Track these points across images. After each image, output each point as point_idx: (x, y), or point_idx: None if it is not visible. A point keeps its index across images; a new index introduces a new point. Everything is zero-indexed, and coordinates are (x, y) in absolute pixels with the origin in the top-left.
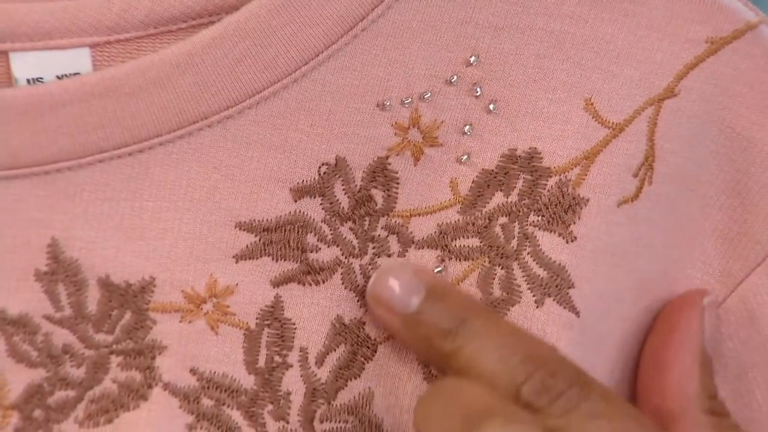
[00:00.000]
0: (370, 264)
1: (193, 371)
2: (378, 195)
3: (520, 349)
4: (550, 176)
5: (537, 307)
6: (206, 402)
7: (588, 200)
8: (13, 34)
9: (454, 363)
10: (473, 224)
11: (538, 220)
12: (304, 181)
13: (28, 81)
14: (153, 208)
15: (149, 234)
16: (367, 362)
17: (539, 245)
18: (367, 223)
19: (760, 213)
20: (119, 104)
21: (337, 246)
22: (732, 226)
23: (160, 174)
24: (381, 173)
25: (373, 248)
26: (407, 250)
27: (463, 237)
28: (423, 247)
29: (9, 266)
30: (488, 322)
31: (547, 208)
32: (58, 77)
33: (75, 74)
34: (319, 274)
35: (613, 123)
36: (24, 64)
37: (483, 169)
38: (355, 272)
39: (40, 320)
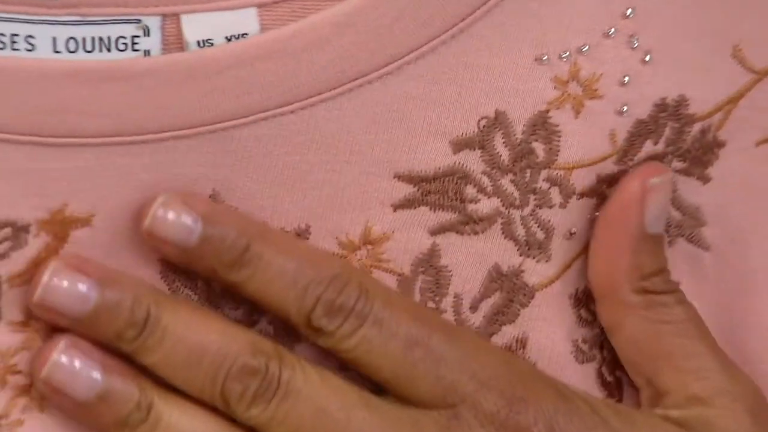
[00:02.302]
0: (531, 215)
1: None
2: (539, 148)
3: (306, 271)
4: (695, 122)
5: (669, 246)
6: None
7: (725, 142)
8: None
9: (243, 291)
10: (625, 172)
11: (679, 166)
12: (464, 134)
13: (199, 43)
14: (312, 161)
15: (307, 185)
16: (523, 308)
17: (677, 189)
18: (528, 175)
19: None
20: (282, 65)
21: (498, 197)
22: None
23: (320, 129)
24: (542, 126)
25: (535, 200)
26: (569, 201)
27: (616, 185)
28: (584, 197)
29: None
30: (272, 246)
31: (689, 152)
32: (227, 38)
33: (243, 35)
34: (477, 224)
35: (759, 69)
36: (194, 26)
37: (637, 119)
38: (515, 222)
39: None
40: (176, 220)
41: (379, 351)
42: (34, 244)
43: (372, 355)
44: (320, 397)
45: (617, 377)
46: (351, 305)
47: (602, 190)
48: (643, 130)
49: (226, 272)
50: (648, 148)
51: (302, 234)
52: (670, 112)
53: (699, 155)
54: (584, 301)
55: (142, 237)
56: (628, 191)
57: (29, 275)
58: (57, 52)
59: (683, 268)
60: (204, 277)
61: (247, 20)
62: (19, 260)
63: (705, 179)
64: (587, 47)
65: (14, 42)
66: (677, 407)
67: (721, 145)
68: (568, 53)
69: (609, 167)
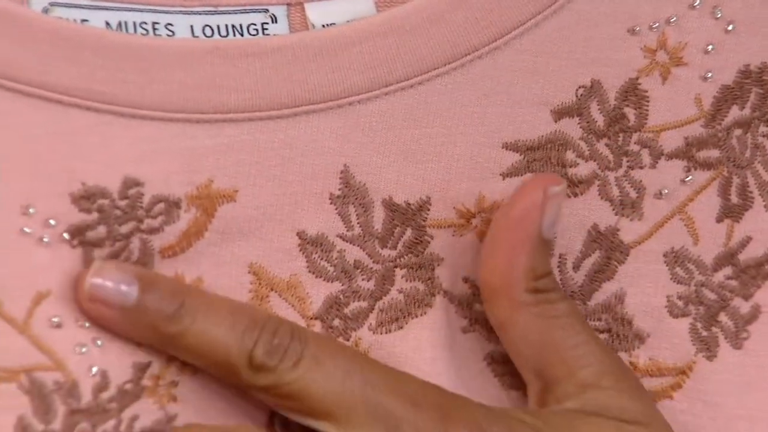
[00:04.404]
0: (624, 176)
1: (465, 280)
2: (630, 113)
3: (240, 317)
4: None
5: (766, 210)
6: (478, 307)
7: None
8: None
9: (183, 343)
10: (714, 136)
11: (766, 131)
12: (563, 103)
13: (323, 27)
14: (430, 134)
15: (426, 158)
16: (620, 265)
17: (767, 154)
18: (621, 138)
19: None
20: (401, 41)
21: (594, 161)
22: None
23: (437, 103)
24: (633, 93)
25: (627, 162)
26: (657, 162)
27: (706, 148)
28: (672, 158)
29: (309, 191)
30: (204, 299)
31: None
32: (348, 23)
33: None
34: (577, 186)
35: None
36: (318, 13)
37: (722, 85)
38: (610, 184)
39: (334, 239)
40: (114, 285)
41: (320, 382)
42: (185, 218)
43: (314, 386)
44: None
45: (713, 334)
46: (287, 343)
47: (691, 153)
48: (728, 96)
49: (166, 325)
50: (735, 112)
51: (424, 206)
52: (754, 78)
53: None
54: (680, 259)
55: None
56: (529, 197)
57: (180, 248)
58: (195, 36)
59: None
60: (145, 338)
61: (365, 6)
62: (171, 234)
63: None
64: (675, 18)
65: (156, 29)
66: (570, 397)
67: None
68: (657, 24)
69: (697, 130)
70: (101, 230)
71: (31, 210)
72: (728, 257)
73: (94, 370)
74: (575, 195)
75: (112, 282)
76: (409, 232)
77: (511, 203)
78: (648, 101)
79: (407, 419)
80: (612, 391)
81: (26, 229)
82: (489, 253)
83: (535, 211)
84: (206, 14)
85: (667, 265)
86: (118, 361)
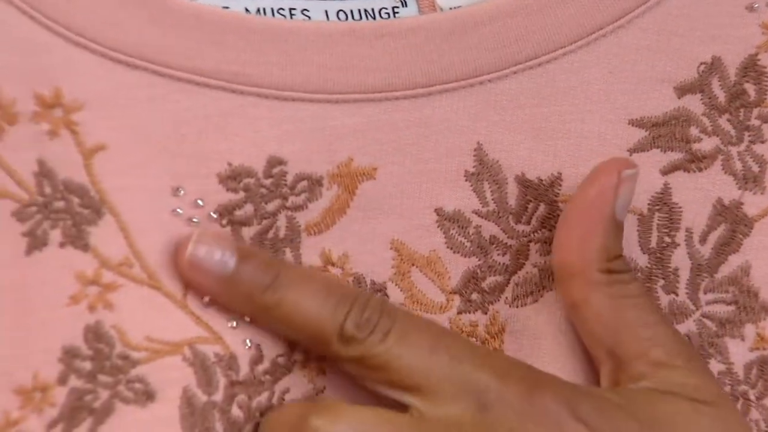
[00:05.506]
0: (746, 150)
1: None
2: (750, 88)
3: (333, 291)
4: None
5: None
6: None
7: None
8: None
9: (277, 313)
10: None
11: None
12: (686, 80)
13: (450, 9)
14: (559, 112)
15: (556, 135)
16: (745, 238)
17: None
18: (742, 114)
19: None
20: (529, 21)
21: (717, 136)
22: None
23: (565, 81)
24: (752, 69)
25: (749, 136)
26: None
27: None
28: None
29: (445, 168)
30: (298, 272)
31: None
32: None
33: None
34: (701, 161)
35: None
36: None
37: None
38: (733, 158)
39: (470, 215)
40: (213, 254)
41: (408, 356)
42: (327, 195)
43: (401, 359)
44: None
45: None
46: (377, 318)
47: None
48: None
49: (262, 295)
50: None
51: (555, 181)
52: None
53: None
54: None
55: None
56: (604, 179)
57: (324, 225)
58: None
59: None
60: (240, 307)
61: None
62: (315, 211)
63: None
64: None
65: (293, 15)
66: (644, 376)
67: None
68: None
69: None
70: (248, 208)
71: (181, 191)
72: None
73: (248, 343)
74: (699, 170)
75: (211, 251)
76: (542, 208)
77: (585, 185)
78: (767, 77)
79: (494, 390)
80: (685, 371)
81: (178, 210)
82: (563, 233)
83: (609, 193)
84: (340, 0)
85: None
86: (270, 335)
